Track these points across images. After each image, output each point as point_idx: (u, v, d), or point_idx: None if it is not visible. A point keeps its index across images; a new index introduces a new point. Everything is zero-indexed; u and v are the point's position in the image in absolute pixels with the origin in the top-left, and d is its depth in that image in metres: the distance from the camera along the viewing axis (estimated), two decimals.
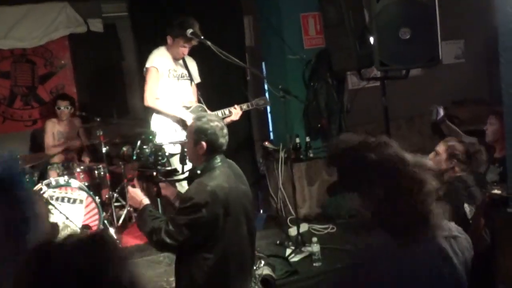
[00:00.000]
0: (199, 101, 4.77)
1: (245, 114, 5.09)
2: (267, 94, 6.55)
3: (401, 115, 6.62)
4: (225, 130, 2.99)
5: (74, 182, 5.00)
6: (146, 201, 3.02)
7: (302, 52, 5.64)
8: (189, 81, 4.77)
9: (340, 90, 5.71)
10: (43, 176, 5.39)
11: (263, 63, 6.35)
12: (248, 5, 6.25)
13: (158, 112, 4.57)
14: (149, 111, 4.66)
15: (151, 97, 4.55)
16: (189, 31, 4.46)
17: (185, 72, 4.74)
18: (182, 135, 4.50)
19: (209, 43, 4.43)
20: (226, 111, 4.66)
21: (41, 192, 4.76)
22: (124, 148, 3.28)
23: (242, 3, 6.18)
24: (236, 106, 4.67)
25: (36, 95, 6.53)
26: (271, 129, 6.77)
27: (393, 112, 4.79)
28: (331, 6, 4.84)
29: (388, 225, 1.78)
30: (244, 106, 4.74)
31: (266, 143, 5.97)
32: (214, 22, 5.92)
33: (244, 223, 2.96)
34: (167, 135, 4.52)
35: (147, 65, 4.61)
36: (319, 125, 5.63)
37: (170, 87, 4.64)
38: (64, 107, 5.87)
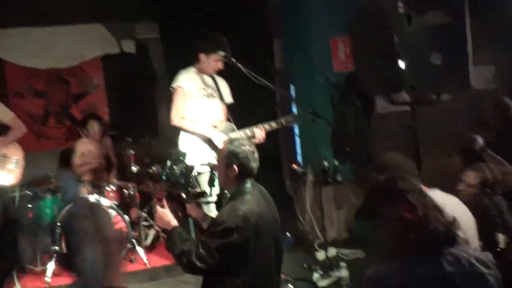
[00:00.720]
0: (228, 120, 4.78)
1: (273, 136, 5.09)
2: None
3: (431, 140, 6.55)
4: (256, 154, 3.01)
5: (104, 201, 5.06)
6: (174, 222, 3.04)
7: (331, 75, 5.65)
8: (218, 100, 4.77)
9: (369, 113, 5.69)
10: None
11: (292, 86, 6.37)
12: (278, 28, 6.31)
13: (185, 131, 4.59)
14: (178, 131, 4.68)
15: (176, 116, 4.58)
16: (221, 53, 4.52)
17: (215, 91, 4.75)
18: (210, 155, 4.52)
19: (239, 64, 4.49)
20: (248, 131, 4.63)
21: None
22: (154, 168, 3.32)
23: (272, 25, 6.25)
24: (261, 126, 4.61)
25: (69, 114, 6.68)
26: (299, 151, 6.77)
27: (422, 136, 4.74)
28: (361, 30, 4.85)
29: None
30: (273, 124, 4.67)
31: (294, 165, 5.97)
32: (244, 44, 5.98)
33: (272, 248, 2.96)
34: (196, 155, 4.50)
35: (173, 84, 4.65)
36: (347, 149, 5.62)
37: (199, 106, 4.64)
38: (94, 127, 5.97)
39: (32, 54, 6.34)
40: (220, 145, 4.46)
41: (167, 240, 3.08)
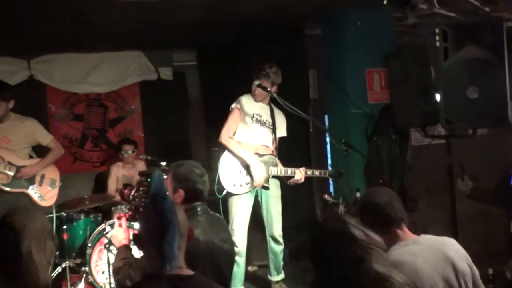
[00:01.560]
0: (273, 154, 4.83)
1: (306, 165, 5.09)
2: (328, 147, 6.57)
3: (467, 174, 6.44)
4: (205, 177, 2.93)
5: (136, 225, 5.11)
6: (124, 241, 3.02)
7: (365, 107, 5.64)
8: (270, 130, 4.84)
9: (403, 146, 5.64)
10: (107, 216, 5.55)
11: (326, 116, 6.38)
12: (313, 58, 6.35)
13: (229, 150, 4.67)
14: (213, 156, 4.93)
15: (225, 135, 4.67)
16: (256, 82, 4.59)
17: (270, 120, 4.83)
18: (245, 179, 4.63)
19: (275, 95, 4.54)
20: (289, 170, 4.71)
21: (105, 232, 4.90)
22: (125, 190, 3.26)
23: (308, 56, 6.30)
24: (302, 169, 4.71)
25: (106, 137, 6.82)
26: (331, 181, 6.74)
27: (457, 171, 4.68)
28: (397, 61, 4.84)
29: None
30: (317, 172, 4.82)
31: (326, 195, 5.93)
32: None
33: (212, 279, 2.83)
34: (231, 175, 4.64)
35: (233, 105, 4.77)
36: (380, 181, 5.55)
37: (250, 131, 4.74)
38: (129, 152, 6.07)
39: (73, 79, 6.55)
40: (256, 175, 4.56)
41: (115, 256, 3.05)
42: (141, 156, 6.22)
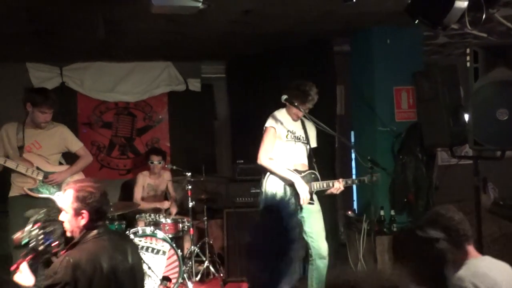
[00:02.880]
0: (312, 167, 4.77)
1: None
2: (353, 163, 6.54)
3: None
4: (107, 197, 2.90)
5: (160, 233, 5.15)
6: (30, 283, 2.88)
7: (392, 125, 5.62)
8: (305, 144, 4.78)
9: (430, 165, 5.59)
10: (131, 224, 5.61)
11: (352, 132, 6.36)
12: (341, 75, 6.35)
13: (271, 172, 4.55)
14: (262, 171, 4.65)
15: (265, 156, 4.56)
16: (284, 97, 4.60)
17: (303, 135, 4.77)
18: (291, 199, 4.42)
19: (302, 109, 4.54)
20: (330, 183, 4.62)
21: None
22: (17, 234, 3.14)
23: (336, 71, 6.30)
24: (340, 180, 4.63)
25: (133, 146, 6.91)
26: (355, 198, 6.70)
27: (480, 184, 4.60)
28: (426, 81, 4.81)
29: None
30: (349, 181, 4.71)
31: (349, 212, 5.91)
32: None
33: None
34: (278, 197, 4.51)
35: (267, 124, 4.65)
36: (405, 200, 5.51)
37: (286, 149, 4.65)
38: (156, 162, 6.13)
39: (103, 87, 6.67)
40: (302, 192, 4.46)
41: None
42: (166, 166, 6.28)
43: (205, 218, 5.80)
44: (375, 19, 5.23)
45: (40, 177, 4.61)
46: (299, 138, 4.74)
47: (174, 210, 6.10)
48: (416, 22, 3.23)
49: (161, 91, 6.88)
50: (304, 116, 4.64)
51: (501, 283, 2.51)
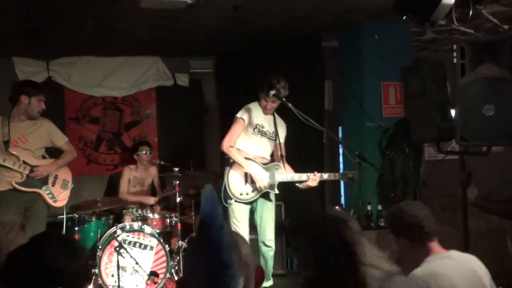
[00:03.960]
0: (281, 161, 4.85)
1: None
2: (341, 158, 6.57)
3: (479, 191, 6.41)
4: None
5: (147, 229, 5.14)
6: None
7: (380, 120, 5.65)
8: (272, 141, 4.89)
9: (417, 161, 5.63)
10: (118, 219, 5.59)
11: (340, 127, 6.39)
12: (329, 70, 6.37)
13: (230, 158, 4.77)
14: (225, 163, 4.88)
15: (227, 143, 4.76)
16: (272, 92, 4.61)
17: (272, 130, 4.87)
18: (250, 187, 4.73)
19: (289, 105, 4.55)
20: (304, 176, 4.72)
21: (116, 235, 4.93)
22: None
23: (324, 67, 6.32)
24: (316, 173, 4.71)
25: (120, 141, 6.87)
26: (342, 193, 6.73)
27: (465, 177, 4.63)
28: (414, 76, 4.82)
29: None
30: (325, 176, 4.77)
31: (337, 207, 5.93)
32: (295, 84, 6.06)
33: None
34: (238, 184, 4.74)
35: (238, 115, 4.81)
36: (392, 195, 5.55)
37: (250, 141, 4.81)
38: (144, 152, 6.12)
39: (91, 82, 6.61)
40: (258, 181, 4.67)
41: None
42: (154, 161, 6.26)
43: (193, 213, 5.79)
44: (364, 15, 5.25)
45: (27, 171, 4.59)
46: (265, 133, 4.85)
47: (158, 206, 6.08)
48: (404, 18, 3.25)
49: (149, 86, 6.84)
50: (289, 109, 4.65)
51: (458, 283, 2.49)
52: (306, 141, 6.08)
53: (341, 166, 6.51)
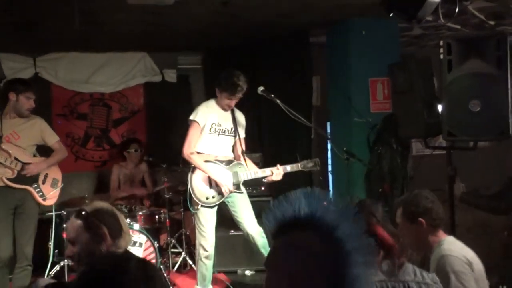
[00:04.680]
0: (242, 157, 4.83)
1: (306, 173, 5.12)
2: (329, 154, 6.60)
3: (466, 185, 6.47)
4: None
5: (136, 225, 5.14)
6: None
7: (368, 116, 5.67)
8: (231, 137, 4.83)
9: (404, 156, 5.66)
10: None
11: (328, 123, 6.41)
12: (317, 65, 6.39)
13: (193, 165, 4.69)
14: (187, 169, 4.83)
15: (187, 150, 4.68)
16: (260, 88, 4.61)
17: (230, 126, 4.81)
18: (215, 190, 4.67)
19: (278, 101, 4.56)
20: (268, 171, 4.70)
21: None
22: None
23: (312, 62, 6.33)
24: (278, 166, 4.69)
25: (109, 137, 6.84)
26: (331, 188, 6.76)
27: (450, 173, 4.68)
28: (401, 72, 4.86)
29: None
30: (288, 168, 4.73)
31: (325, 203, 5.95)
32: (283, 80, 6.10)
33: None
34: (202, 189, 4.67)
35: (191, 117, 4.74)
36: (380, 190, 5.58)
37: (208, 141, 4.75)
38: (134, 149, 6.11)
39: (78, 78, 6.57)
40: (223, 186, 4.60)
41: None
42: (143, 158, 6.25)
43: (182, 209, 5.79)
44: (352, 11, 5.26)
45: (18, 168, 4.58)
46: (224, 131, 4.79)
47: (148, 202, 6.08)
48: (391, 15, 3.26)
49: (137, 82, 6.82)
50: (277, 105, 4.63)
51: (472, 257, 2.77)
52: (294, 136, 6.10)
53: (329, 161, 6.53)
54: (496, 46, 3.71)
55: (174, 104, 6.95)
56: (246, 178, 4.73)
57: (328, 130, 6.36)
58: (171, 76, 6.94)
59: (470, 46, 3.81)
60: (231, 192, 4.67)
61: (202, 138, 4.73)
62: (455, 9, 3.39)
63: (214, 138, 4.75)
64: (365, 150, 5.61)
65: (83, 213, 2.49)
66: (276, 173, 4.66)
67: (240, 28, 5.73)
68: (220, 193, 4.66)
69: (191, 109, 7.08)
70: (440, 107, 4.20)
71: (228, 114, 4.81)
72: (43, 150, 4.94)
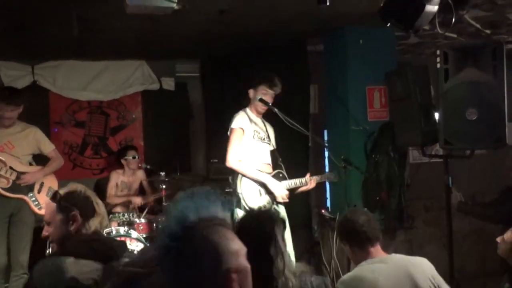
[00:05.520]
0: (279, 167, 4.77)
1: None
2: (326, 162, 6.60)
3: (463, 193, 6.49)
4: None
5: (134, 233, 5.14)
6: None
7: (365, 124, 5.69)
8: (269, 145, 4.79)
9: (401, 164, 5.68)
10: None
11: (325, 131, 6.42)
12: (315, 74, 6.41)
13: (241, 174, 4.50)
14: (233, 172, 4.62)
15: (233, 158, 4.50)
16: (258, 96, 4.63)
17: (266, 135, 4.77)
18: (265, 199, 4.56)
19: (276, 109, 4.57)
20: (303, 180, 4.70)
21: None
22: None
23: (309, 71, 6.36)
24: (309, 176, 4.71)
25: (106, 145, 6.84)
26: (328, 196, 6.76)
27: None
28: (398, 80, 4.89)
29: None
30: (318, 178, 4.80)
31: (323, 210, 5.97)
32: (281, 88, 6.10)
33: None
34: (254, 198, 4.51)
35: (233, 125, 4.58)
36: (377, 198, 5.60)
37: (253, 148, 4.63)
38: (131, 156, 6.12)
39: (76, 86, 6.57)
40: (276, 191, 4.51)
41: None
42: (140, 165, 6.25)
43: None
44: (349, 19, 5.29)
45: (14, 177, 4.58)
46: (264, 139, 4.74)
47: (150, 202, 6.07)
48: (388, 25, 3.29)
49: (135, 90, 6.82)
50: (275, 114, 4.64)
51: (382, 284, 2.64)
52: (292, 145, 6.10)
53: (327, 169, 6.53)
54: (492, 55, 3.75)
55: (172, 112, 6.96)
56: (288, 187, 4.64)
57: (325, 138, 6.37)
58: (169, 84, 6.95)
59: (466, 55, 3.85)
60: (285, 200, 4.55)
61: (246, 145, 4.58)
62: (452, 19, 3.41)
63: (257, 145, 4.65)
64: (362, 158, 5.63)
65: (57, 195, 2.64)
66: (309, 182, 4.69)
67: (238, 37, 5.75)
68: (269, 201, 4.53)
69: (189, 116, 7.16)
70: (437, 115, 4.23)
71: (260, 121, 4.76)
72: (39, 159, 4.94)
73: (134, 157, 6.14)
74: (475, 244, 6.38)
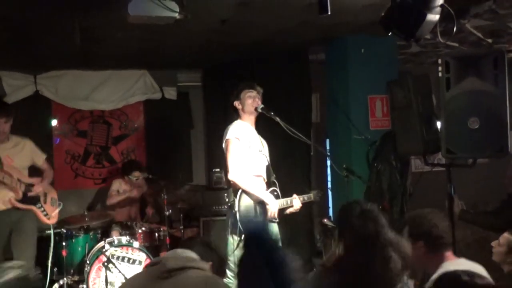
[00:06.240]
0: (273, 183, 4.51)
1: (306, 189, 5.11)
2: (328, 171, 6.60)
3: (465, 201, 6.48)
4: None
5: (136, 243, 5.12)
6: None
7: (367, 133, 5.68)
8: (264, 157, 4.54)
9: (404, 173, 5.66)
10: (106, 233, 5.56)
11: (327, 140, 6.42)
12: (316, 83, 6.42)
13: (240, 188, 4.16)
14: (230, 186, 4.33)
15: (236, 171, 4.17)
16: (260, 106, 4.58)
17: (261, 146, 4.54)
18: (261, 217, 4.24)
19: (277, 118, 4.54)
20: (288, 201, 4.42)
21: (104, 250, 4.90)
22: None
23: (311, 80, 6.36)
24: (295, 196, 4.44)
25: (108, 155, 6.85)
26: (330, 205, 6.75)
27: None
28: (400, 89, 4.88)
29: None
30: (306, 198, 4.53)
31: (325, 220, 5.94)
32: (283, 97, 6.11)
33: None
34: (251, 215, 4.18)
35: (228, 136, 4.29)
36: (380, 207, 5.57)
37: (249, 159, 4.34)
38: (136, 179, 6.09)
39: (78, 95, 6.60)
40: (272, 208, 4.20)
41: None
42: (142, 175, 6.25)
43: (182, 226, 5.78)
44: (350, 28, 5.30)
45: (22, 188, 4.61)
46: (260, 150, 4.50)
47: (151, 211, 6.05)
48: (389, 34, 3.29)
49: (137, 100, 6.85)
50: (277, 123, 4.55)
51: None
52: (294, 154, 6.10)
53: (329, 178, 6.53)
54: (494, 64, 3.74)
55: (174, 121, 6.98)
56: (281, 207, 4.34)
57: (327, 147, 6.36)
58: (171, 93, 6.97)
59: (468, 64, 3.84)
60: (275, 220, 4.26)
61: (244, 156, 4.28)
62: (453, 28, 3.41)
63: (253, 155, 4.36)
64: (364, 167, 5.61)
65: None
66: (296, 203, 4.40)
67: (239, 46, 5.77)
68: (264, 218, 4.18)
69: (191, 126, 7.17)
70: (438, 124, 4.22)
71: (256, 136, 4.50)
72: (31, 170, 4.95)
73: (137, 179, 6.10)
74: (478, 253, 6.34)
